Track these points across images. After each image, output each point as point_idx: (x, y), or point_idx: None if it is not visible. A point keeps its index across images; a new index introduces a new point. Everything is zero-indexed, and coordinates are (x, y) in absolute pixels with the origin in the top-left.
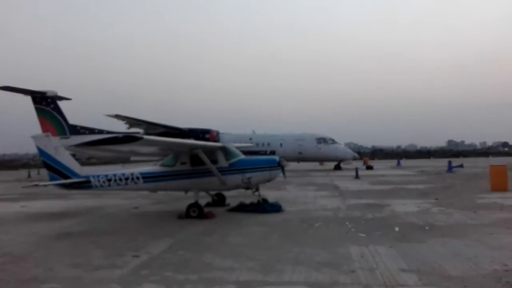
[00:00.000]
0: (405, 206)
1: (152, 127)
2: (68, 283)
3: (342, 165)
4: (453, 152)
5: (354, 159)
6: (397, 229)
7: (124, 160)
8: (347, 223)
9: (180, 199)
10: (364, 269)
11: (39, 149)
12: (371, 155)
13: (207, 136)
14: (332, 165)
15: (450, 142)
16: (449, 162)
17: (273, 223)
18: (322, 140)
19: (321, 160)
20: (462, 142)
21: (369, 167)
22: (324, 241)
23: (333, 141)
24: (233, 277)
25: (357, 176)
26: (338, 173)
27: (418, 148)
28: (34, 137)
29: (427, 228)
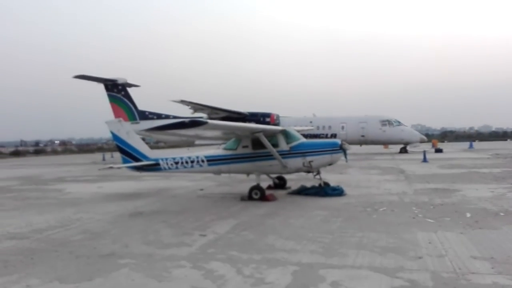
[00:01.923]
0: (478, 191)
1: (215, 112)
2: (142, 258)
3: (408, 148)
4: None
5: (422, 141)
6: (468, 215)
7: (189, 144)
8: (413, 208)
9: (243, 182)
10: (432, 255)
11: (113, 134)
12: (441, 137)
13: (268, 119)
14: (397, 148)
15: None
16: None
17: (335, 207)
18: (386, 122)
19: (386, 143)
20: None
21: (438, 150)
22: (389, 226)
23: (399, 123)
24: (296, 259)
25: (424, 160)
26: (404, 156)
27: (493, 129)
28: (108, 123)
29: (502, 214)
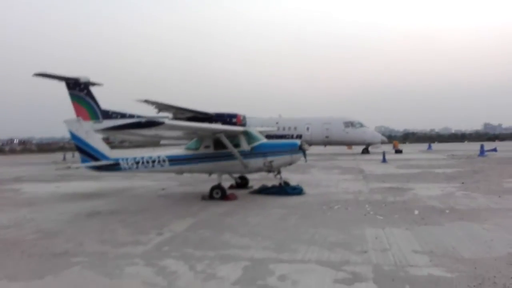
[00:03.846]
0: (429, 190)
1: (180, 112)
2: (95, 257)
3: (370, 149)
4: (490, 135)
5: (383, 142)
6: (416, 212)
7: (154, 143)
8: (366, 206)
9: (205, 182)
10: (376, 250)
11: (71, 133)
12: (403, 139)
13: (234, 120)
14: (360, 149)
15: (486, 125)
16: (482, 146)
17: (293, 205)
18: (349, 124)
19: (349, 144)
20: (500, 125)
21: (398, 151)
22: (341, 223)
23: (361, 125)
24: (248, 255)
25: (384, 160)
26: (366, 157)
27: (453, 131)
28: (66, 122)
29: (447, 211)
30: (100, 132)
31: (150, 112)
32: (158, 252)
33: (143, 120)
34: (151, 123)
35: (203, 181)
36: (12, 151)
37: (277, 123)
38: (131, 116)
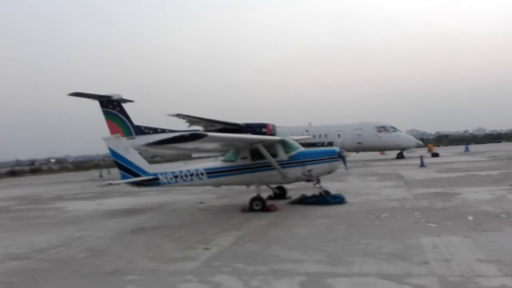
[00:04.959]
0: (478, 194)
1: (210, 124)
2: (147, 274)
3: (405, 153)
4: None
5: (418, 146)
6: (470, 218)
7: (186, 157)
8: (415, 213)
9: (242, 193)
10: (438, 260)
11: (111, 150)
12: (436, 141)
13: (264, 130)
14: (394, 154)
15: None
16: None
17: (337, 215)
18: (382, 129)
19: (382, 149)
20: None
21: (435, 154)
22: (393, 232)
23: (394, 129)
24: (302, 269)
25: (422, 165)
26: (401, 162)
27: (487, 131)
28: (105, 139)
29: (503, 216)
30: (142, 147)
31: (181, 126)
32: (209, 267)
33: (187, 133)
34: (195, 136)
35: (239, 193)
36: (50, 170)
37: (307, 131)
38: (163, 130)
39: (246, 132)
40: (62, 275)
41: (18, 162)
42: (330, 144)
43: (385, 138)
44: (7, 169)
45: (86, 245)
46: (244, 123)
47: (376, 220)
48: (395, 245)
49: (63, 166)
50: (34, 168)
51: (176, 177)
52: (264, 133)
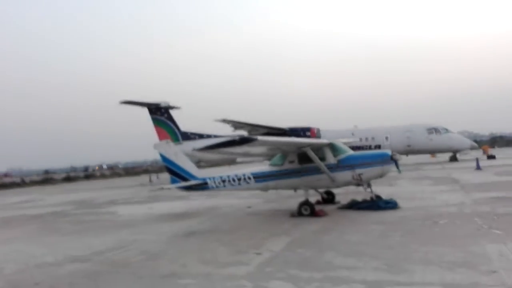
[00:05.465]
0: None
1: (255, 129)
2: (201, 279)
3: (458, 156)
4: None
5: (472, 148)
6: None
7: (229, 162)
8: (476, 219)
9: (289, 198)
10: (506, 269)
11: (161, 155)
12: (490, 143)
13: (308, 134)
14: (446, 156)
15: None
16: None
17: (391, 220)
18: (433, 130)
19: (434, 151)
20: None
21: (491, 157)
22: (454, 239)
23: (446, 130)
24: (359, 276)
25: (478, 167)
26: (455, 165)
27: None
28: (156, 145)
29: None
30: (193, 152)
31: (225, 131)
32: (262, 273)
33: (237, 138)
34: (245, 140)
35: (286, 198)
36: (103, 176)
37: (352, 134)
38: (208, 136)
39: (290, 136)
40: (120, 278)
41: (73, 168)
42: (378, 147)
43: (437, 140)
44: (63, 175)
45: (141, 248)
46: (288, 127)
47: (434, 226)
48: (457, 252)
49: (114, 171)
50: (88, 174)
51: (224, 181)
52: (309, 137)
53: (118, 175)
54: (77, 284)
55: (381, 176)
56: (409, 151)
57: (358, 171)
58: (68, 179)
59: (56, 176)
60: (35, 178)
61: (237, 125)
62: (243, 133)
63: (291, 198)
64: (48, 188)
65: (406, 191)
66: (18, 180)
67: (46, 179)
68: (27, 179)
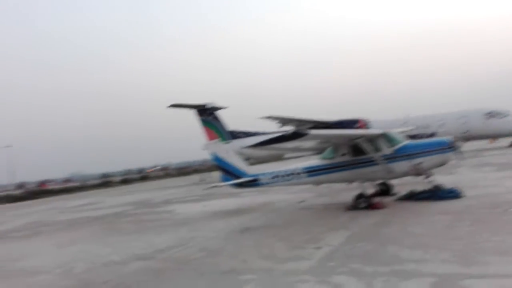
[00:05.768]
0: None
1: (301, 124)
2: (263, 274)
3: None
4: None
5: None
6: None
7: (277, 158)
8: None
9: (342, 191)
10: None
11: (213, 155)
12: None
13: (356, 126)
14: (506, 142)
15: None
16: None
17: (456, 210)
18: (492, 114)
19: (493, 136)
20: None
21: None
22: None
23: (507, 114)
24: (428, 269)
25: None
26: None
27: None
28: (207, 145)
29: None
30: (244, 149)
31: (271, 128)
32: (324, 267)
33: (289, 132)
34: (297, 135)
35: (338, 191)
36: (157, 177)
37: (404, 123)
38: (255, 133)
39: (338, 129)
40: (183, 274)
41: (128, 171)
42: (432, 135)
43: (496, 124)
44: (120, 178)
45: (200, 245)
46: (335, 120)
47: (503, 214)
48: None
49: (167, 172)
50: (143, 176)
51: (275, 177)
52: (358, 129)
53: (171, 175)
54: (144, 282)
55: (442, 164)
56: (466, 138)
57: (417, 160)
58: (125, 181)
59: (113, 179)
60: (95, 181)
61: (283, 120)
62: (291, 128)
63: (344, 192)
64: (107, 191)
65: (468, 178)
66: (79, 184)
67: (105, 182)
68: (87, 183)
